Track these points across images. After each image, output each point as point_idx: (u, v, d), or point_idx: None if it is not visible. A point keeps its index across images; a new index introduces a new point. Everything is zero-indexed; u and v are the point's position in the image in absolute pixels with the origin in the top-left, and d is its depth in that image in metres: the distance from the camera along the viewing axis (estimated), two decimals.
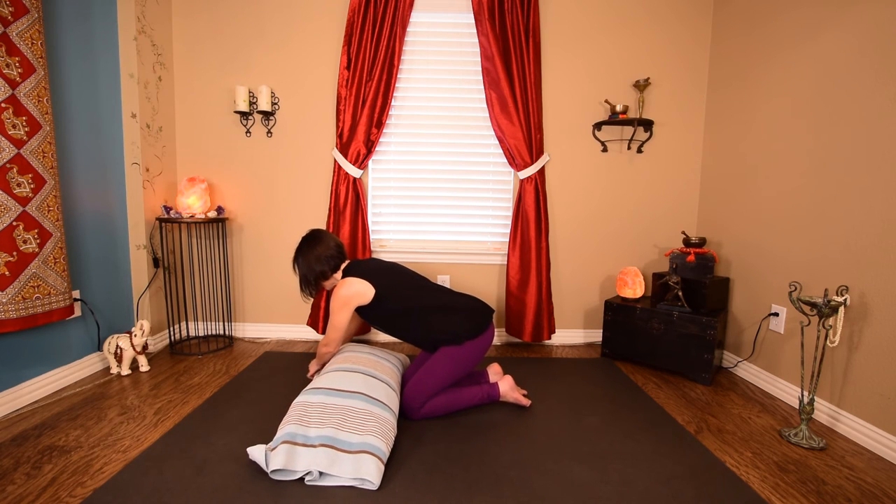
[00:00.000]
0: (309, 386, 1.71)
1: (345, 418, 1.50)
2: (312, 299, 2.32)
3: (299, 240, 2.81)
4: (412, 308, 1.90)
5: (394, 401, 1.73)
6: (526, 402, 1.98)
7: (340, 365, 1.84)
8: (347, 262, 2.05)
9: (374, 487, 1.37)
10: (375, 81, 2.59)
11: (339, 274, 2.03)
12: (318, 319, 2.74)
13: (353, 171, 2.65)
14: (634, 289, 2.62)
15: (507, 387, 1.95)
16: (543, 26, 2.72)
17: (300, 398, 1.62)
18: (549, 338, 2.83)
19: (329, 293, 2.73)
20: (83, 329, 2.19)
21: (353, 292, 1.89)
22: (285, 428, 1.46)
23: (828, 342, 1.73)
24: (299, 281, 2.03)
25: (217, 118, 2.76)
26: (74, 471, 1.44)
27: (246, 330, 2.91)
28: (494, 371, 2.11)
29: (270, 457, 1.39)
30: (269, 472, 1.39)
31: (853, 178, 1.82)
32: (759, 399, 2.13)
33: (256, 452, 1.43)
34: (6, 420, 1.77)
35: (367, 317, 1.95)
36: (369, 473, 1.36)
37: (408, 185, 2.86)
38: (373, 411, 1.57)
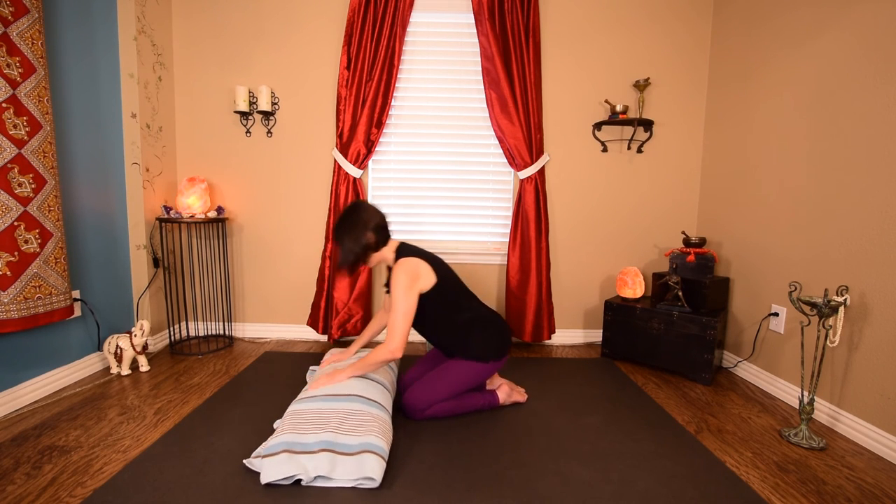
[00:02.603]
0: (301, 395, 1.69)
1: (342, 421, 1.50)
2: (351, 275, 1.95)
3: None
4: (458, 310, 1.85)
5: (389, 401, 1.73)
6: (523, 397, 2.00)
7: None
8: (398, 242, 1.87)
9: (376, 485, 1.36)
10: (375, 81, 2.59)
11: (388, 249, 1.83)
12: (318, 319, 2.74)
13: (353, 171, 2.65)
14: (634, 289, 2.62)
15: (504, 394, 1.96)
16: (543, 26, 2.72)
17: (293, 407, 1.61)
18: (549, 338, 2.83)
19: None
20: (83, 329, 2.19)
21: (421, 272, 1.72)
22: (281, 437, 1.44)
23: (828, 342, 1.73)
24: (349, 247, 1.75)
25: (217, 118, 2.76)
26: (74, 471, 1.45)
27: (246, 330, 2.91)
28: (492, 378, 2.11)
29: (268, 467, 1.36)
30: (265, 482, 1.35)
31: (853, 178, 1.82)
32: (759, 399, 2.13)
33: (257, 463, 1.43)
34: (6, 420, 1.77)
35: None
36: (372, 471, 1.36)
37: (408, 185, 2.86)
38: (370, 412, 1.57)
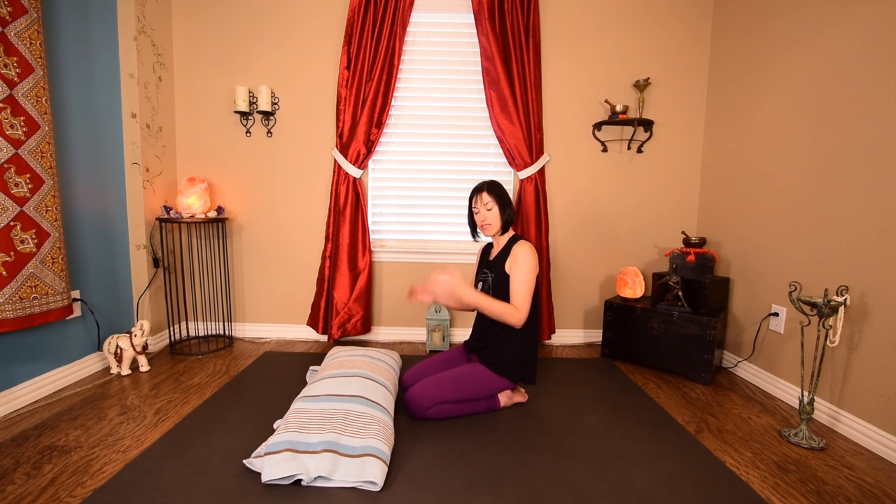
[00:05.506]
0: (304, 393, 1.70)
1: (345, 423, 1.50)
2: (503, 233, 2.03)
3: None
4: (532, 314, 1.89)
5: (390, 402, 1.73)
6: (524, 397, 2.01)
7: (335, 371, 1.84)
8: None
9: (377, 489, 1.36)
10: (375, 81, 2.58)
11: (509, 233, 2.00)
12: (318, 319, 2.74)
13: (353, 171, 2.65)
14: (634, 289, 2.62)
15: (506, 398, 1.96)
16: (543, 26, 2.72)
17: (297, 405, 1.61)
18: (549, 338, 2.83)
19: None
20: (83, 329, 2.19)
21: (536, 259, 1.87)
22: (284, 435, 1.44)
23: (828, 342, 1.73)
24: (509, 211, 1.95)
25: (217, 118, 2.76)
26: (74, 471, 1.44)
27: (246, 330, 2.91)
28: None
29: (270, 465, 1.36)
30: (266, 480, 1.35)
31: (853, 178, 1.82)
32: (759, 399, 2.13)
33: (258, 463, 1.42)
34: (6, 420, 1.76)
35: (503, 291, 1.89)
36: (374, 475, 1.36)
37: (408, 185, 2.85)
38: (374, 415, 1.56)
